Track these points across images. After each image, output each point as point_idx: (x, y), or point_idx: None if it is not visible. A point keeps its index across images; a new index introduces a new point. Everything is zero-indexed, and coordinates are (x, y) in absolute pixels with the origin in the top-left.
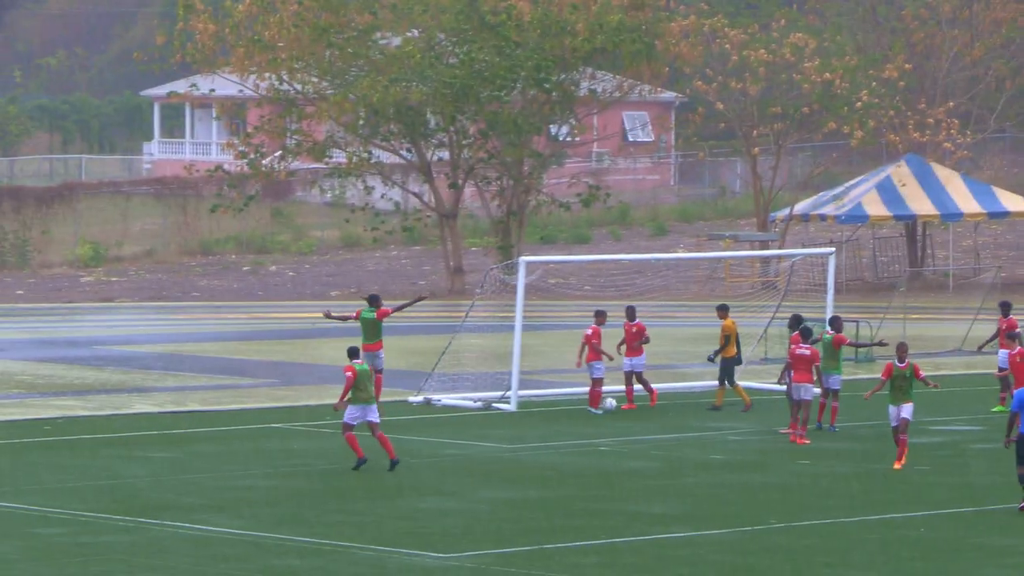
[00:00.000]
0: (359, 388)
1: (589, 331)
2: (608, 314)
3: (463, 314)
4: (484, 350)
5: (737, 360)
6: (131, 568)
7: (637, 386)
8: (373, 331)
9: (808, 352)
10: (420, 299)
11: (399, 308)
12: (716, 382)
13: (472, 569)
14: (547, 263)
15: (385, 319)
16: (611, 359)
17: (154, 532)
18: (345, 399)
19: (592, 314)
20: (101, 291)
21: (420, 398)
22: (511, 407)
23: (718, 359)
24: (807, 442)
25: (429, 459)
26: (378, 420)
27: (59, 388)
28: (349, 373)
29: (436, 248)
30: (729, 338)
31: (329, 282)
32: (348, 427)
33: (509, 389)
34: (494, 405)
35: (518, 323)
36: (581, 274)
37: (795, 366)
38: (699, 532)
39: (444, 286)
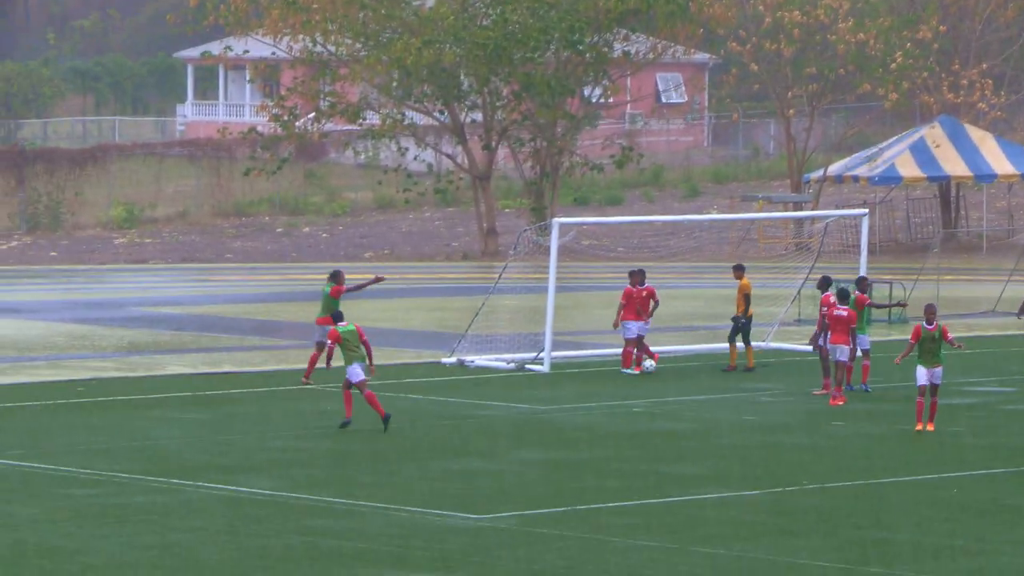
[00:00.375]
0: (350, 349)
1: (641, 292)
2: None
3: (496, 275)
4: (517, 311)
5: (746, 320)
6: (164, 529)
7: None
8: (325, 305)
9: (845, 313)
10: (377, 280)
11: (352, 289)
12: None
13: (505, 530)
14: (580, 225)
15: (339, 297)
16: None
17: (188, 493)
18: (332, 362)
19: (628, 274)
20: (134, 253)
21: (453, 359)
22: (544, 368)
23: (746, 318)
24: (842, 402)
25: (462, 420)
26: (364, 379)
27: (92, 349)
28: (331, 339)
29: (469, 210)
30: (748, 297)
31: (362, 244)
32: (350, 384)
33: (542, 350)
34: (527, 366)
35: (551, 284)
36: (614, 236)
37: (832, 327)
38: (732, 493)
39: (477, 248)
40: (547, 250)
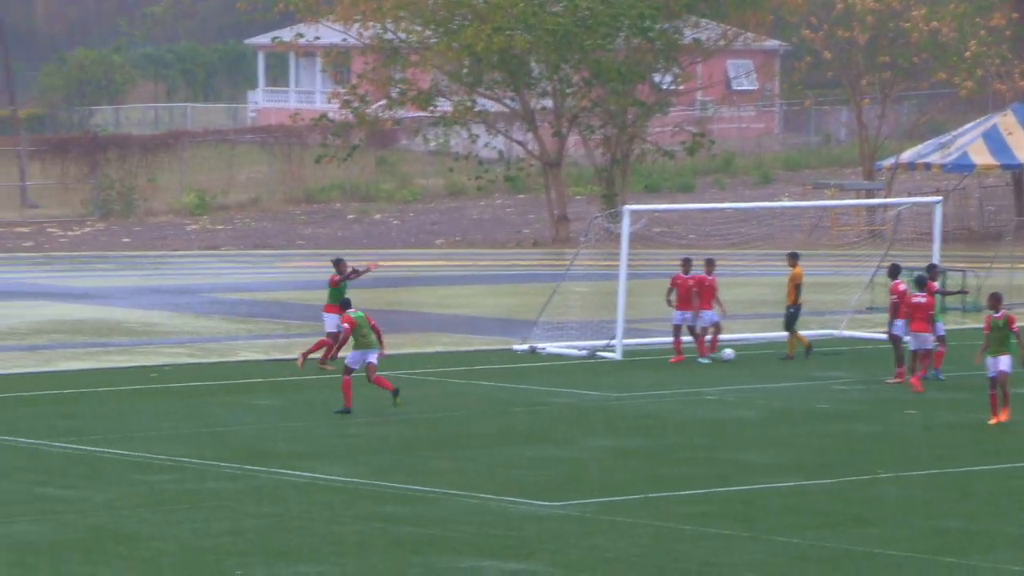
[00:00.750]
0: (360, 335)
1: (688, 281)
2: (716, 262)
3: (568, 263)
4: (589, 298)
5: (795, 309)
6: (236, 515)
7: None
8: (329, 294)
9: (924, 300)
10: (370, 268)
11: (347, 276)
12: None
13: (578, 518)
14: (651, 211)
15: (336, 285)
16: (724, 313)
17: (260, 479)
18: (337, 354)
19: (703, 263)
20: (206, 239)
21: (525, 346)
22: (616, 355)
23: (795, 307)
24: (922, 390)
25: (534, 407)
26: (375, 363)
27: (165, 335)
28: (346, 324)
29: (540, 196)
30: (799, 287)
31: (433, 230)
32: (349, 370)
33: (614, 338)
34: (599, 353)
35: (622, 271)
36: (685, 223)
37: (912, 315)
38: (805, 481)
39: (548, 235)
40: (618, 237)
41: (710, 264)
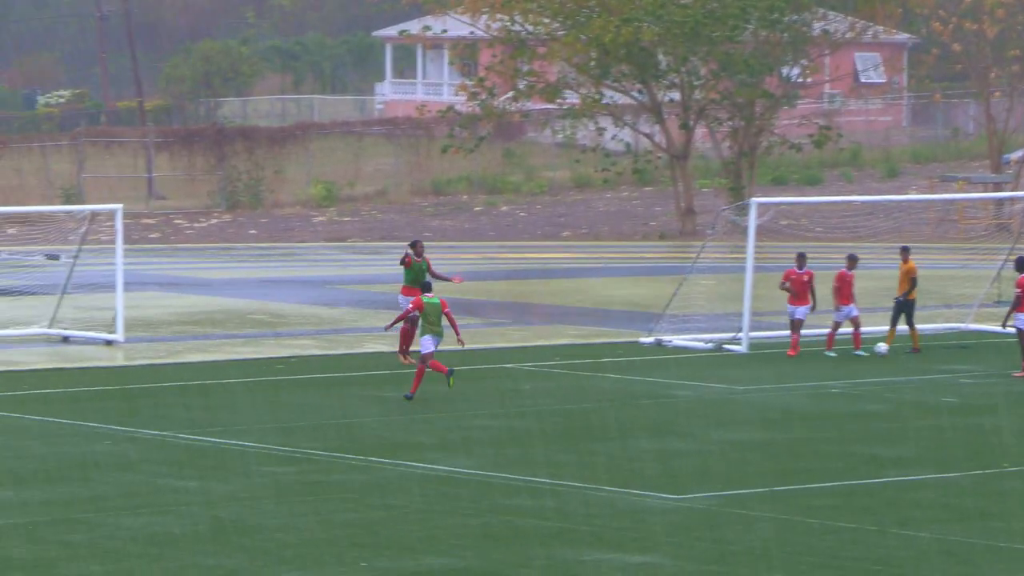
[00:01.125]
0: (428, 321)
1: (802, 276)
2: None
3: (694, 255)
4: (715, 291)
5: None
6: (361, 507)
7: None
8: (406, 276)
9: None
10: (454, 280)
11: (435, 275)
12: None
13: (703, 511)
14: (778, 204)
15: (409, 266)
16: (815, 308)
17: (385, 471)
18: (394, 325)
19: (845, 257)
20: (333, 231)
21: (651, 339)
22: (742, 348)
23: (907, 299)
24: None
25: (660, 400)
26: (434, 350)
27: (292, 327)
28: (412, 304)
29: (667, 189)
30: (915, 280)
31: (560, 223)
32: (426, 357)
33: (740, 331)
34: (725, 346)
35: (749, 264)
36: (812, 216)
37: None
38: (931, 475)
39: (675, 227)
40: (745, 230)
41: (852, 260)
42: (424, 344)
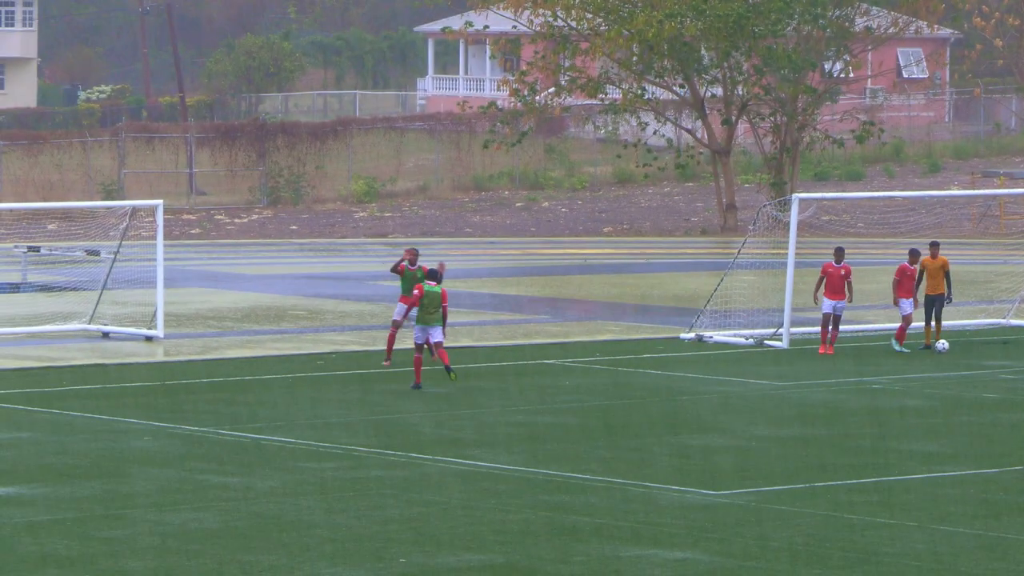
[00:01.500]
0: (428, 311)
1: (839, 271)
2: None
3: (735, 251)
4: (756, 287)
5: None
6: (402, 503)
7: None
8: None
9: None
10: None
11: (394, 269)
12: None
13: (743, 507)
14: (820, 200)
15: (400, 274)
16: (850, 302)
17: (426, 467)
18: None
19: (907, 253)
20: (374, 226)
21: (692, 335)
22: (783, 344)
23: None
24: None
25: (700, 396)
26: (441, 340)
27: (332, 323)
28: (417, 292)
29: (709, 184)
30: (948, 274)
31: (602, 218)
32: (419, 348)
33: (781, 326)
34: (766, 342)
35: (791, 260)
36: (854, 211)
37: None
38: (971, 471)
39: (717, 223)
40: (786, 225)
41: (914, 255)
42: (424, 334)
